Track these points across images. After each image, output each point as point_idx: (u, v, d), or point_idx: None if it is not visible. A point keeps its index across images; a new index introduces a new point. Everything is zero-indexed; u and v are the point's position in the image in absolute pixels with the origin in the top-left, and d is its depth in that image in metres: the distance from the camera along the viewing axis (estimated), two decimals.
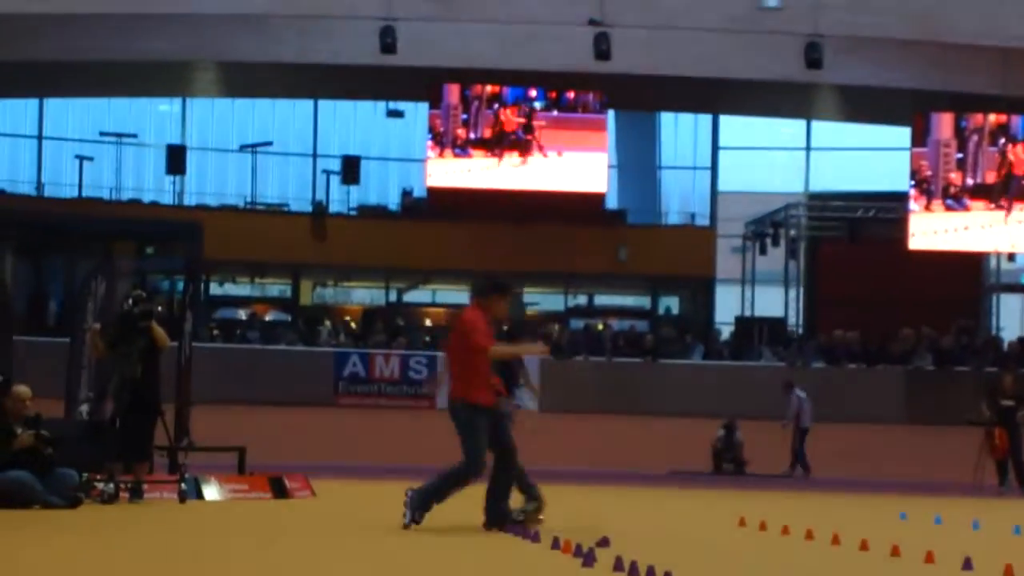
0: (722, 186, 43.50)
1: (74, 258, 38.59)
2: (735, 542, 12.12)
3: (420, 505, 13.53)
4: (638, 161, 44.24)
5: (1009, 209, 38.23)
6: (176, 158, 41.00)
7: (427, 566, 10.65)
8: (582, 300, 44.28)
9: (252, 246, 40.42)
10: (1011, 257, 41.51)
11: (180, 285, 38.91)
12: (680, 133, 44.25)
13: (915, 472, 32.79)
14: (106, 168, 42.20)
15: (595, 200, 40.90)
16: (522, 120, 39.59)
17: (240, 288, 44.14)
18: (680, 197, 44.18)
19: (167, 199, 41.81)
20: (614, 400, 36.46)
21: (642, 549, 11.95)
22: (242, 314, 42.23)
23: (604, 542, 11.94)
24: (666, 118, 44.06)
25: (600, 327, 40.80)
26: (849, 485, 29.23)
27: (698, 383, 36.98)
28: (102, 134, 42.22)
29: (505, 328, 14.22)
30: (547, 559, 11.08)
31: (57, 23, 34.83)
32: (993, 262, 42.36)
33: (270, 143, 42.71)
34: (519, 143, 39.71)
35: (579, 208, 40.29)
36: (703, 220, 43.35)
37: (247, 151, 42.56)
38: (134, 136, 42.46)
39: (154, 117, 43.15)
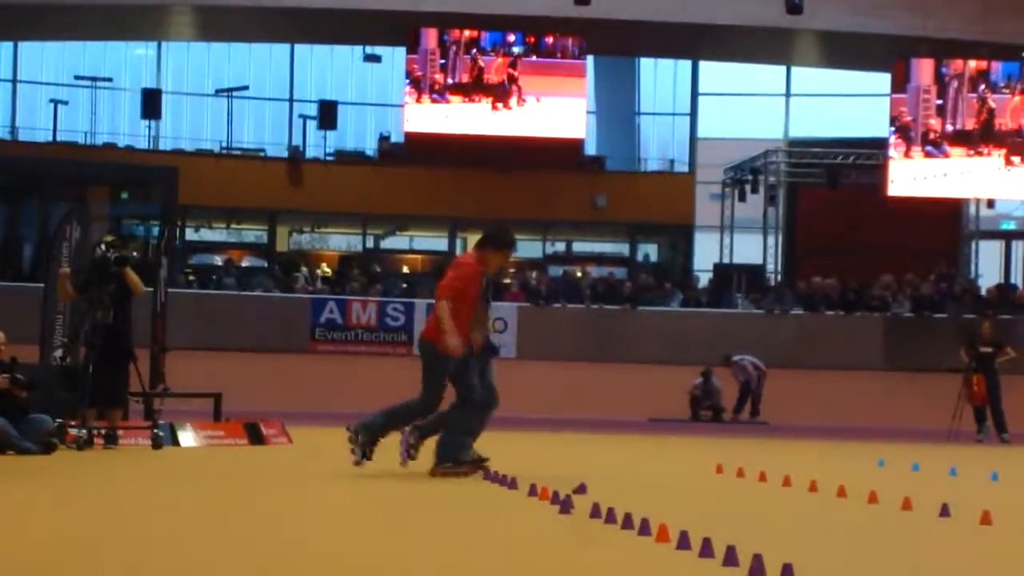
0: (701, 132, 43.44)
1: (48, 203, 38.39)
2: (712, 489, 12.13)
3: (369, 440, 13.52)
4: (617, 107, 44.12)
5: (989, 155, 38.24)
6: (151, 102, 40.80)
7: (404, 512, 10.62)
8: (560, 247, 44.24)
9: (228, 191, 40.32)
10: (990, 204, 41.56)
11: (155, 230, 38.79)
12: (659, 79, 44.14)
13: (893, 419, 32.89)
14: (81, 112, 41.99)
15: (574, 146, 40.81)
16: (508, 71, 39.45)
17: (216, 234, 44.01)
18: (659, 143, 44.11)
19: (142, 144, 41.64)
20: (592, 348, 36.48)
21: (619, 496, 11.94)
22: (218, 260, 42.11)
23: (581, 489, 11.92)
24: (645, 64, 43.93)
25: (578, 274, 40.77)
26: (826, 432, 29.30)
27: (676, 331, 36.99)
28: (77, 78, 42.00)
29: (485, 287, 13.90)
30: (524, 505, 11.06)
31: None
32: (972, 209, 42.40)
33: (246, 87, 42.53)
34: (497, 89, 39.57)
35: (557, 154, 40.20)
36: (682, 167, 43.31)
37: (223, 95, 42.37)
38: (109, 80, 42.23)
39: (129, 61, 42.92)
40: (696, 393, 34.51)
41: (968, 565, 8.36)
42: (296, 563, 7.57)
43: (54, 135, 41.11)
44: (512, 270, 41.74)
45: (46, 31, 40.58)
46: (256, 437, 19.08)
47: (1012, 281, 42.22)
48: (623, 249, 43.89)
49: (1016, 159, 38.26)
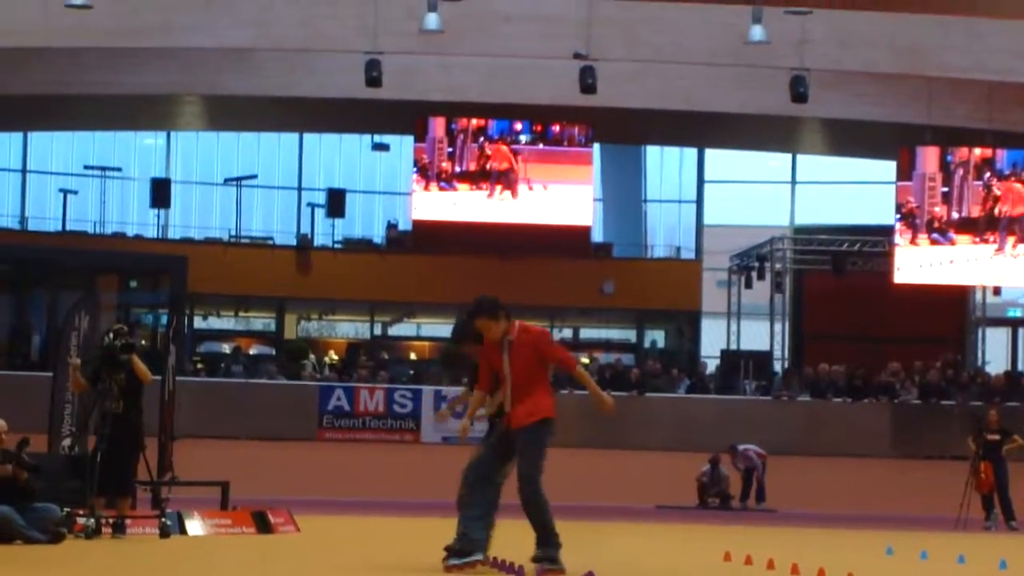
0: (708, 219, 43.57)
1: (57, 292, 38.50)
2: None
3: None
4: (623, 194, 44.30)
5: (1001, 245, 38.27)
6: (161, 191, 40.96)
7: None
8: (567, 334, 44.26)
9: (236, 280, 40.40)
10: (996, 291, 41.61)
11: (164, 319, 38.85)
12: (666, 166, 44.34)
13: (900, 507, 32.78)
14: (90, 201, 42.12)
15: (581, 233, 40.95)
16: (511, 156, 39.69)
17: (224, 322, 44.06)
18: (666, 230, 44.24)
19: (151, 232, 41.75)
20: (600, 434, 36.39)
21: None
22: (226, 348, 42.16)
23: None
24: (651, 151, 44.14)
25: (586, 361, 40.77)
26: (834, 519, 29.19)
27: (683, 417, 36.96)
28: (86, 167, 42.16)
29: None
30: None
31: (41, 56, 34.82)
32: (979, 296, 42.44)
33: (255, 176, 42.72)
34: (504, 177, 39.78)
35: (565, 241, 40.32)
36: (689, 253, 43.42)
37: (232, 184, 42.55)
38: (118, 170, 42.40)
39: (139, 150, 43.11)
40: (704, 480, 34.41)
41: None
42: None
43: (63, 224, 41.23)
44: None
45: (55, 121, 40.84)
46: (263, 526, 19.04)
47: (1019, 368, 42.20)
48: (630, 335, 43.91)
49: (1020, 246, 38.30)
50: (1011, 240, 38.25)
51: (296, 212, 42.48)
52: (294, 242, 41.86)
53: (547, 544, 12.71)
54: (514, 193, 39.68)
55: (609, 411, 12.85)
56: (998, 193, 38.39)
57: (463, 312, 13.65)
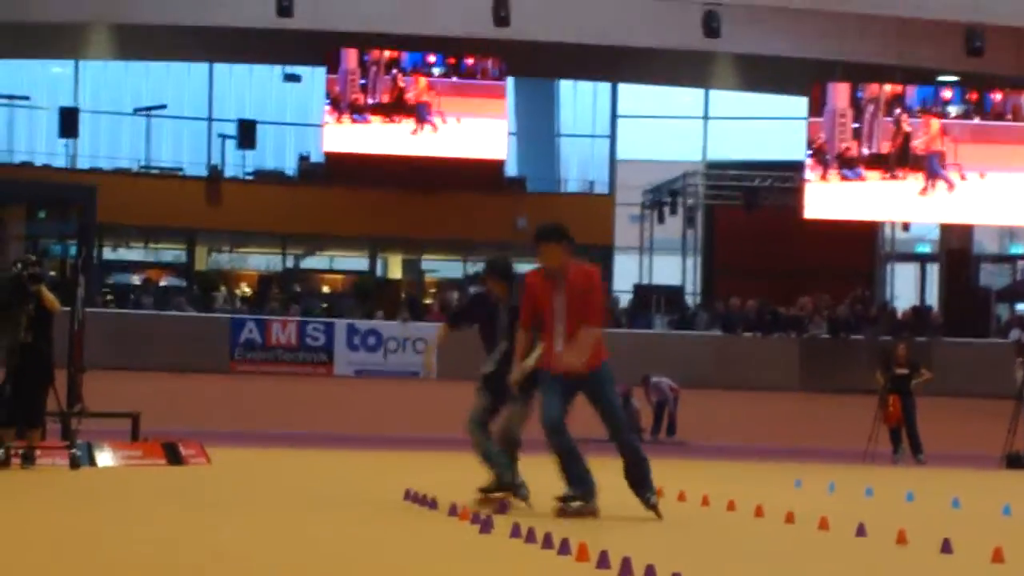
0: (621, 154, 43.63)
1: None
2: (632, 509, 12.16)
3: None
4: (537, 129, 44.26)
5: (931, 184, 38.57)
6: (69, 121, 40.48)
7: (321, 535, 10.60)
8: (481, 268, 44.22)
9: (146, 211, 40.06)
10: (905, 227, 41.96)
11: (73, 250, 38.45)
12: (579, 101, 44.31)
13: (809, 440, 33.10)
14: None
15: (494, 167, 40.89)
16: (428, 91, 39.52)
17: (134, 253, 43.73)
18: (579, 165, 44.27)
19: (60, 162, 41.31)
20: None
21: (540, 516, 11.97)
22: (136, 279, 41.86)
23: (502, 508, 11.95)
24: (565, 86, 44.08)
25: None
26: (744, 452, 29.46)
27: None
28: None
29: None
30: (445, 526, 11.07)
31: None
32: (888, 231, 42.81)
33: (164, 106, 42.29)
34: (418, 109, 39.60)
35: (478, 175, 40.26)
36: (602, 188, 43.48)
37: (141, 114, 42.13)
38: (26, 98, 41.89)
39: (47, 79, 42.57)
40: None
41: None
42: None
43: None
44: (433, 290, 41.83)
45: None
46: (174, 457, 18.95)
47: (928, 303, 42.66)
48: None
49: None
50: (922, 176, 38.59)
51: (207, 143, 42.13)
52: (204, 173, 41.53)
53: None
54: (434, 128, 39.51)
55: (569, 367, 12.10)
56: (908, 129, 38.68)
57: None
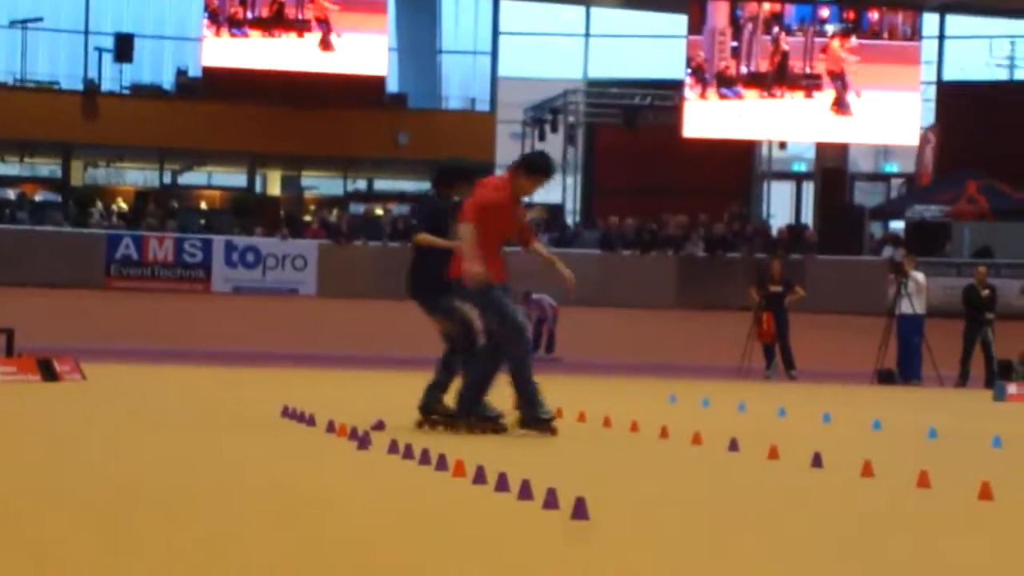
0: (502, 71, 43.53)
1: None
2: (509, 424, 12.20)
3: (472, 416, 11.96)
4: (419, 45, 43.98)
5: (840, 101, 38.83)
6: None
7: (196, 452, 10.54)
8: (362, 185, 44.07)
9: (21, 124, 39.53)
10: (782, 146, 42.31)
11: None
12: (461, 17, 44.09)
13: (685, 356, 33.40)
14: None
15: (375, 83, 40.62)
16: (310, 5, 39.11)
17: (8, 167, 43.16)
18: (461, 82, 44.11)
19: None
20: (392, 285, 36.39)
21: (416, 432, 11.98)
22: (11, 194, 41.27)
23: (379, 425, 11.94)
24: (447, 2, 43.84)
25: (380, 212, 40.65)
26: (621, 368, 29.66)
27: None
28: None
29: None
30: (323, 442, 11.04)
31: None
32: (764, 150, 43.13)
33: (41, 19, 41.62)
34: (298, 24, 39.19)
35: (359, 91, 39.98)
36: (483, 106, 43.37)
37: (16, 27, 41.42)
38: None
39: None
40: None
41: (755, 498, 8.53)
42: (67, 485, 7.49)
43: None
44: (312, 207, 41.58)
45: None
46: (49, 373, 18.75)
47: (803, 221, 43.09)
48: (425, 187, 43.83)
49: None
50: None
51: (83, 56, 41.50)
52: (81, 87, 40.94)
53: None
54: (291, 39, 39.02)
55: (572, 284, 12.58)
56: (786, 48, 38.87)
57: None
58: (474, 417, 12.11)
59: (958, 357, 26.12)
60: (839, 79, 38.80)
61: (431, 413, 12.44)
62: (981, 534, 7.16)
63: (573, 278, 12.74)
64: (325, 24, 39.21)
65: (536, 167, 12.34)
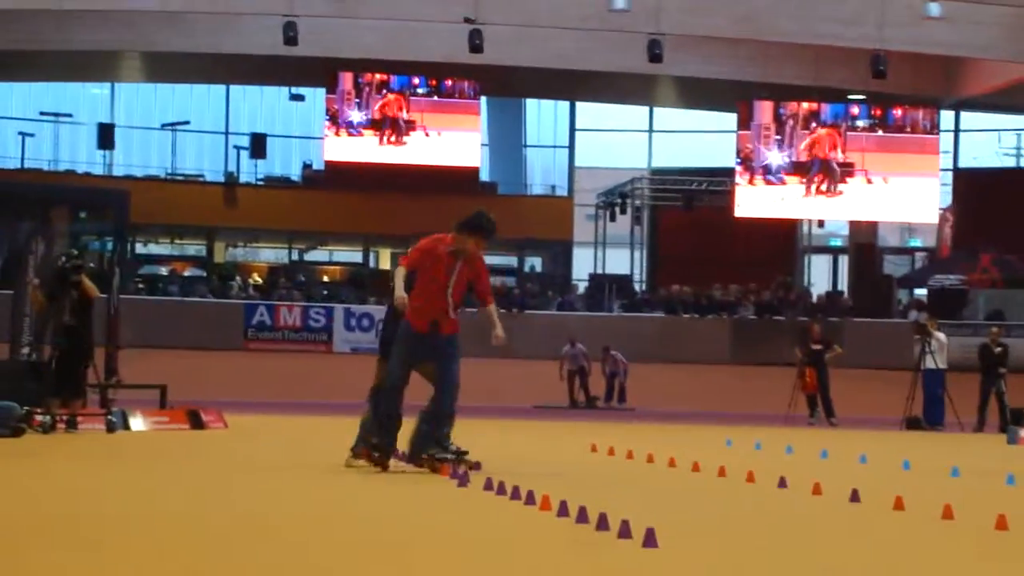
0: (578, 162, 43.69)
1: (16, 221, 37.87)
2: (588, 466, 12.21)
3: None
4: (507, 140, 44.29)
5: (822, 184, 38.62)
6: (106, 135, 40.45)
7: (312, 486, 10.60)
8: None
9: (172, 211, 40.04)
10: (820, 223, 42.16)
11: (109, 245, 38.39)
12: (542, 116, 44.39)
13: (738, 406, 33.20)
14: (45, 143, 41.58)
15: (470, 174, 40.87)
16: (406, 109, 39.45)
17: (161, 248, 43.68)
18: (543, 171, 44.32)
19: (98, 170, 41.22)
20: (486, 347, 36.38)
21: (509, 472, 11.99)
22: (163, 270, 41.78)
23: (476, 466, 11.95)
24: (531, 103, 44.14)
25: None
26: (683, 417, 29.52)
27: (558, 329, 37.07)
28: (42, 113, 41.55)
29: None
30: (426, 480, 11.06)
31: (2, 18, 34.10)
32: (805, 228, 42.96)
33: (188, 122, 42.26)
34: (404, 125, 39.56)
35: (456, 181, 40.20)
36: (562, 191, 43.53)
37: (168, 129, 42.08)
38: (69, 115, 41.81)
39: (87, 99, 42.46)
40: (570, 368, 33.63)
41: (801, 528, 8.49)
42: (218, 525, 7.56)
43: (22, 162, 40.65)
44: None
45: (14, 73, 40.11)
46: (197, 422, 18.94)
47: (839, 289, 42.82)
48: (512, 261, 44.00)
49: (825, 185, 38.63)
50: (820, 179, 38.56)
51: (224, 153, 42.07)
52: (222, 179, 41.49)
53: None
54: (398, 139, 39.26)
55: (499, 342, 11.96)
56: (814, 139, 38.72)
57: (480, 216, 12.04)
58: (433, 453, 11.46)
59: (976, 406, 25.82)
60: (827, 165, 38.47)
61: (423, 454, 11.70)
62: (998, 560, 7.10)
63: (502, 337, 12.11)
64: (422, 125, 39.44)
65: (474, 226, 11.84)
